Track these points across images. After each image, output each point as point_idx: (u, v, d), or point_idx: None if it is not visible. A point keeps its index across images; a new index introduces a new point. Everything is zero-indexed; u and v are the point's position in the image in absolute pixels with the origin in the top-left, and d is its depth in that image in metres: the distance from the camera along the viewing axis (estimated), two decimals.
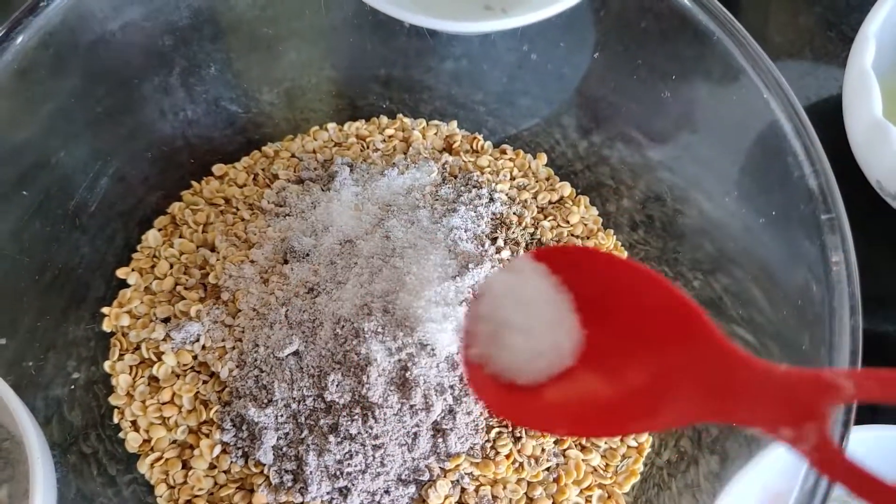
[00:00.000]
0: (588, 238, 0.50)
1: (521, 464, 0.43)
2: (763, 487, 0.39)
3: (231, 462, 0.43)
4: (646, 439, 0.45)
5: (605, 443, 0.44)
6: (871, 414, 0.51)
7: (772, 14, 0.67)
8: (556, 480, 0.43)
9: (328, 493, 0.41)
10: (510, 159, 0.53)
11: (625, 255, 0.50)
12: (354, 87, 0.55)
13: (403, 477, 0.41)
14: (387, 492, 0.41)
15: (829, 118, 0.55)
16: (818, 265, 0.37)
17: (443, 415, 0.41)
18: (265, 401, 0.42)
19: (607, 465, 0.44)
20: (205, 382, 0.45)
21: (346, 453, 0.41)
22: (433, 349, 0.41)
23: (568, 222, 0.50)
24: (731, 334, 0.44)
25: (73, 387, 0.44)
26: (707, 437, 0.44)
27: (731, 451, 0.42)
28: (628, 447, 0.45)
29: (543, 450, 0.43)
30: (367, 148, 0.53)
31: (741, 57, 0.40)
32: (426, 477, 0.42)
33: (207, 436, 0.43)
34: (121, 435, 0.45)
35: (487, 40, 0.53)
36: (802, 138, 0.38)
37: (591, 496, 0.43)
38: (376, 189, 0.49)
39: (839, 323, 0.35)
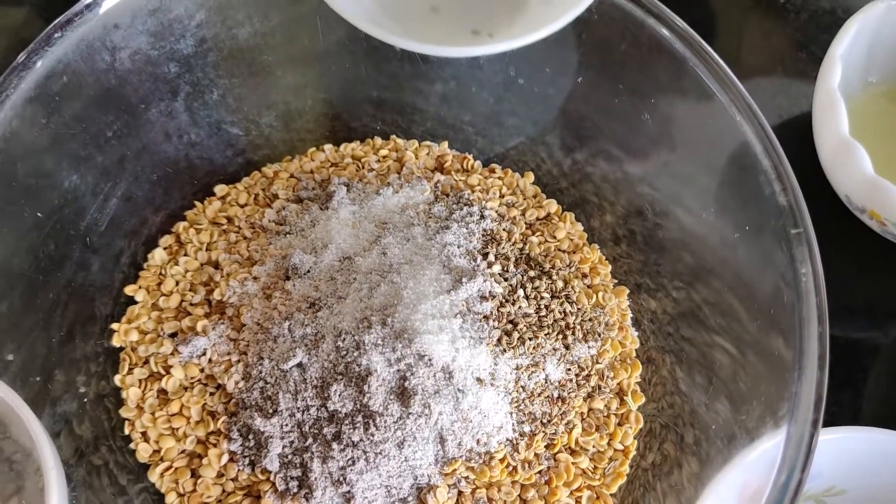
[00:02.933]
0: (574, 252, 0.52)
1: (515, 467, 0.45)
2: (743, 485, 0.41)
3: (238, 470, 0.45)
4: (631, 443, 0.47)
5: (594, 447, 0.46)
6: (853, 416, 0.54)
7: (746, 35, 0.70)
8: (548, 482, 0.45)
9: (332, 499, 0.43)
10: (499, 178, 0.55)
11: (609, 268, 0.52)
12: (349, 110, 0.58)
13: (404, 482, 0.44)
14: (388, 495, 0.43)
15: (800, 134, 0.58)
16: (789, 276, 0.39)
17: (440, 422, 0.43)
18: (270, 411, 0.44)
19: (595, 467, 0.46)
20: (212, 394, 0.47)
21: (349, 460, 0.43)
22: (430, 359, 0.43)
23: (555, 237, 0.52)
24: (712, 343, 0.47)
25: (84, 400, 0.46)
26: (689, 440, 0.46)
27: (711, 454, 0.44)
28: (615, 450, 0.47)
29: (536, 454, 0.45)
30: (363, 168, 0.55)
31: (713, 81, 0.43)
32: (426, 481, 0.44)
33: (215, 445, 0.45)
34: (131, 446, 0.46)
35: (475, 63, 0.55)
36: (772, 157, 0.41)
37: (580, 497, 0.45)
38: (372, 207, 0.51)
39: (808, 329, 0.38)
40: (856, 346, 0.57)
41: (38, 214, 0.44)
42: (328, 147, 0.57)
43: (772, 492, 0.35)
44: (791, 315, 0.39)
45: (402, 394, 0.43)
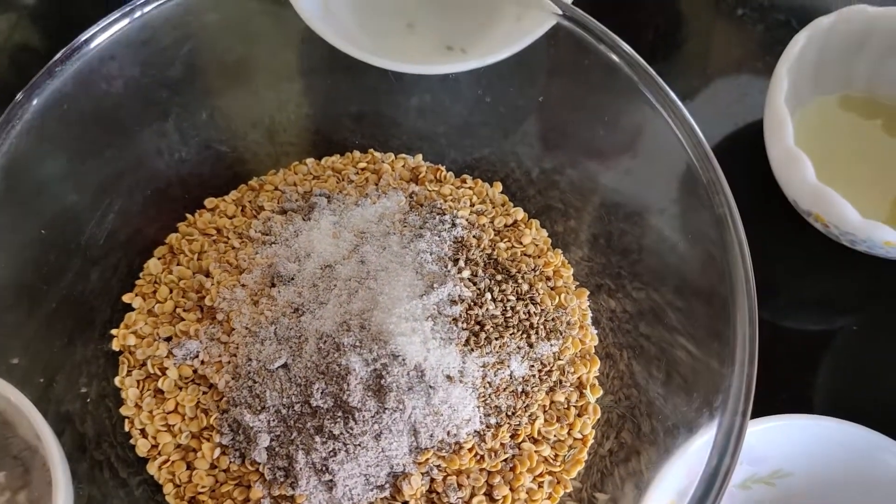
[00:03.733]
0: (539, 256, 0.56)
1: (482, 456, 0.48)
2: (688, 471, 0.45)
3: (230, 462, 0.48)
4: (590, 432, 0.51)
5: (555, 436, 0.50)
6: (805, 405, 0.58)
7: (712, 44, 0.74)
8: (513, 469, 0.49)
9: (316, 487, 0.47)
10: (469, 188, 0.59)
11: (571, 271, 0.56)
12: (330, 124, 0.61)
13: (381, 470, 0.47)
14: (367, 483, 0.47)
15: (757, 140, 0.62)
16: (725, 282, 0.43)
17: (413, 416, 0.47)
18: (259, 408, 0.48)
19: (556, 454, 0.50)
20: (204, 393, 0.50)
21: (331, 451, 0.46)
22: (404, 359, 0.47)
23: (521, 243, 0.56)
24: (673, 343, 0.50)
25: (87, 400, 0.50)
26: (645, 429, 0.50)
27: (666, 442, 0.47)
28: (574, 439, 0.50)
29: (502, 444, 0.49)
30: (343, 180, 0.59)
31: (658, 101, 0.47)
32: (401, 470, 0.48)
33: (208, 440, 0.49)
34: (131, 441, 0.50)
35: (448, 77, 0.59)
36: (708, 172, 0.44)
37: (542, 482, 0.49)
38: (351, 218, 0.55)
39: (740, 329, 0.41)
40: (807, 338, 0.61)
41: (42, 231, 0.47)
42: (310, 161, 0.60)
43: (703, 475, 0.39)
44: (727, 316, 0.43)
45: (379, 391, 0.47)
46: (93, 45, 0.46)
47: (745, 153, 0.65)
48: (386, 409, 0.46)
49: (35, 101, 0.44)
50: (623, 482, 0.49)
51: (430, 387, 0.47)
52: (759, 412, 0.48)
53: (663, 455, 0.47)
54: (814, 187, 0.54)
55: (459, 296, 0.51)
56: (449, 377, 0.48)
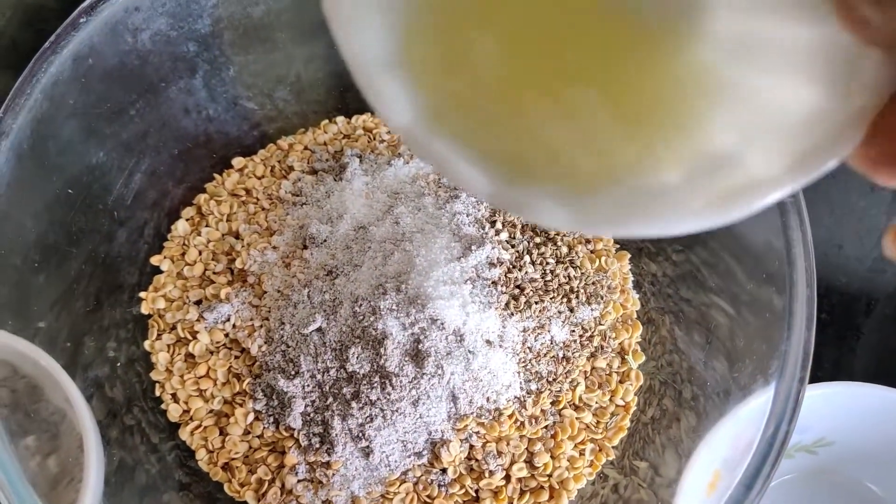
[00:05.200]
0: None
1: (523, 423, 0.47)
2: (735, 437, 0.44)
3: (264, 428, 0.48)
4: (632, 399, 0.50)
5: (596, 403, 0.49)
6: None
7: None
8: (553, 436, 0.48)
9: (352, 453, 0.46)
10: None
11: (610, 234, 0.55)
12: None
13: (419, 437, 0.46)
14: (404, 450, 0.46)
15: None
16: (780, 241, 0.41)
17: (452, 381, 0.46)
18: (292, 373, 0.47)
19: (598, 422, 0.49)
20: (237, 358, 0.49)
21: (368, 417, 0.46)
22: (442, 323, 0.46)
23: None
24: (710, 304, 0.49)
25: (117, 364, 0.49)
26: (687, 396, 0.49)
27: (708, 408, 0.46)
28: (616, 406, 0.49)
29: (542, 410, 0.48)
30: (374, 139, 0.57)
31: None
32: (439, 436, 0.47)
33: (241, 405, 0.48)
34: (162, 407, 0.49)
35: None
36: None
37: (584, 449, 0.48)
38: (384, 178, 0.53)
39: (797, 290, 0.40)
40: (850, 303, 0.60)
41: (69, 191, 0.46)
42: (340, 119, 0.58)
43: (760, 443, 0.37)
44: (782, 278, 0.41)
45: (416, 355, 0.46)
46: None
47: None
48: (424, 374, 0.45)
49: (60, 55, 0.43)
50: (664, 449, 0.48)
51: (470, 352, 0.46)
52: None
53: (705, 423, 0.46)
54: None
55: (498, 258, 0.49)
56: (488, 342, 0.47)
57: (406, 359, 0.46)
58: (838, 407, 0.50)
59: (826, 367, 0.57)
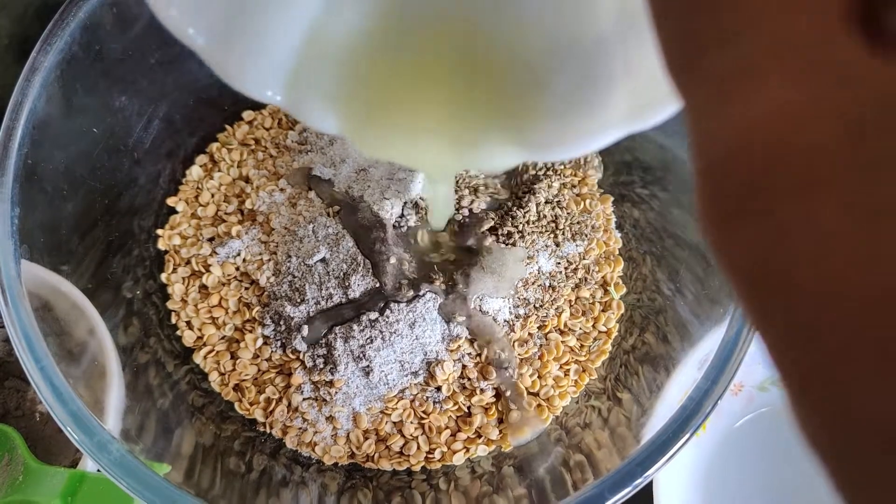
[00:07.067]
0: (567, 167, 0.58)
1: (512, 345, 0.51)
2: (703, 360, 0.47)
3: (272, 351, 0.51)
4: (613, 326, 0.53)
5: (580, 329, 0.53)
6: None
7: None
8: (540, 357, 0.51)
9: (354, 372, 0.50)
10: None
11: (597, 177, 0.58)
12: None
13: (416, 357, 0.50)
14: (402, 369, 0.50)
15: None
16: None
17: (447, 305, 0.50)
18: (298, 300, 0.51)
19: (582, 345, 0.52)
20: (246, 289, 0.53)
21: (368, 339, 0.49)
22: None
23: None
24: (690, 250, 0.52)
25: (135, 299, 0.53)
26: (666, 327, 0.52)
27: (684, 338, 0.50)
28: (599, 332, 0.53)
29: (530, 334, 0.52)
30: None
31: None
32: (434, 357, 0.50)
33: (251, 331, 0.52)
34: (177, 333, 0.53)
35: None
36: None
37: (568, 370, 0.52)
38: None
39: None
40: None
41: (94, 130, 0.50)
42: None
43: (723, 341, 0.41)
44: None
45: (414, 280, 0.49)
46: None
47: None
48: (419, 297, 0.49)
49: (89, 2, 0.47)
50: (642, 373, 0.51)
51: None
52: None
53: (681, 350, 0.49)
54: None
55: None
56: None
57: (403, 282, 0.49)
58: None
59: None
